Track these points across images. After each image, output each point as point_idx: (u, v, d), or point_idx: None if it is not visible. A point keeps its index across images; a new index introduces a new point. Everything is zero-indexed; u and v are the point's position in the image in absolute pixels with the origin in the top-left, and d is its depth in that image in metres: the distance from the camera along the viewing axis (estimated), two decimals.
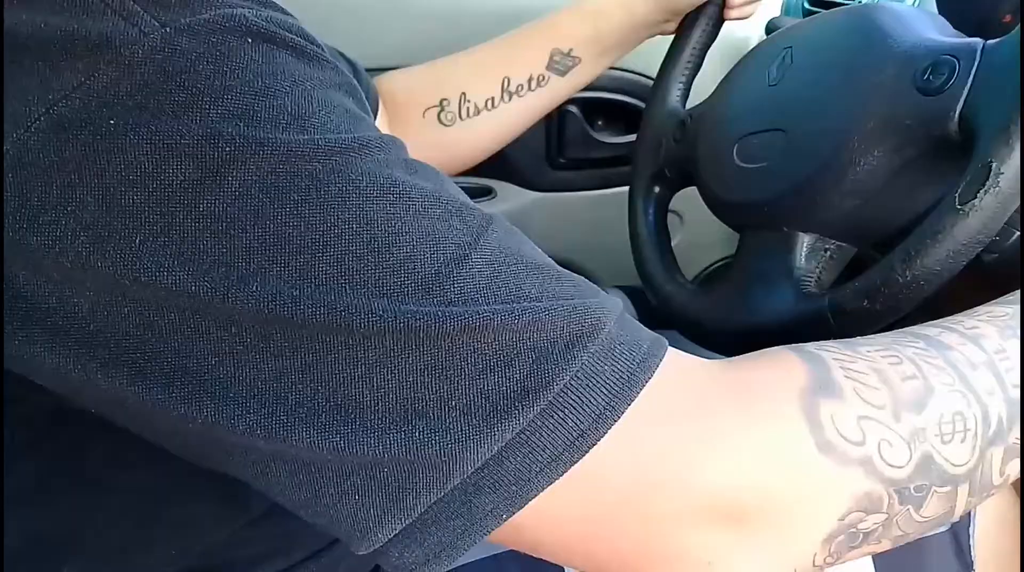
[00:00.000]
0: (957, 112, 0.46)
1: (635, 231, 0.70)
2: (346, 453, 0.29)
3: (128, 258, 0.27)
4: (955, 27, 0.54)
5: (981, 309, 0.40)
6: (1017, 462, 0.36)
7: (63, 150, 0.27)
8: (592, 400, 0.30)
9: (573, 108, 0.99)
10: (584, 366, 0.30)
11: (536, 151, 1.00)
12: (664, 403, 0.31)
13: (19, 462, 0.37)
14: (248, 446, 0.29)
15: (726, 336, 0.58)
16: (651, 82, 0.75)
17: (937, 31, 0.52)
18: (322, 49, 0.33)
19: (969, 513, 0.55)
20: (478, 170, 0.84)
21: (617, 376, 0.30)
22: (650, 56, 0.80)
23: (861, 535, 0.33)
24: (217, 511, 0.42)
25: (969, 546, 0.54)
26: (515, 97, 0.73)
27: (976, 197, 0.41)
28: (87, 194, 0.27)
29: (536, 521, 0.31)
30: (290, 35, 0.31)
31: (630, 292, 0.80)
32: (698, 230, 1.05)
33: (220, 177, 0.28)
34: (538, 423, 0.29)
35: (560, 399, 0.29)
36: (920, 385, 0.34)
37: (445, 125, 0.73)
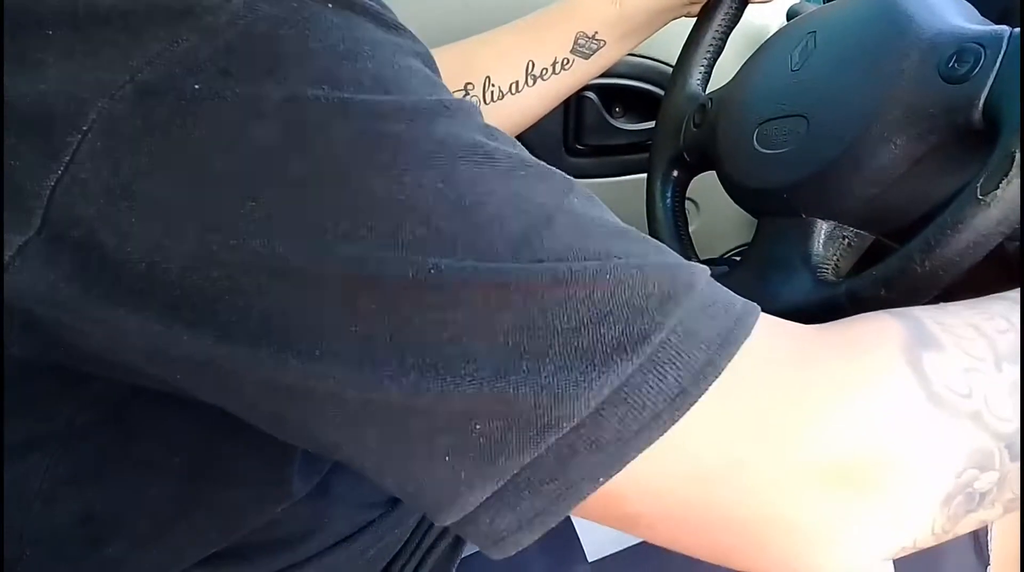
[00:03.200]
0: (982, 101, 0.45)
1: (652, 215, 0.70)
2: (439, 406, 0.28)
3: (216, 222, 0.27)
4: (982, 14, 0.53)
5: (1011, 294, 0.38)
6: None
7: (149, 116, 0.27)
8: (691, 356, 0.29)
9: (591, 94, 0.98)
10: (681, 322, 0.29)
11: (554, 138, 1.00)
12: (765, 360, 0.31)
13: (79, 444, 0.37)
14: (337, 406, 0.29)
15: None
16: (670, 69, 0.74)
17: (963, 18, 0.51)
18: (395, 17, 0.33)
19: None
20: None
21: (715, 332, 0.29)
22: (669, 43, 0.79)
23: (978, 496, 0.31)
24: (261, 494, 0.42)
25: (987, 541, 0.54)
26: (539, 81, 0.72)
27: (998, 187, 0.40)
28: (175, 159, 0.27)
29: (635, 488, 0.30)
30: (369, 2, 0.31)
31: None
32: (714, 217, 1.04)
33: (306, 140, 0.28)
34: (636, 380, 0.28)
35: (658, 355, 0.28)
36: (1014, 338, 0.33)
37: None
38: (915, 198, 0.53)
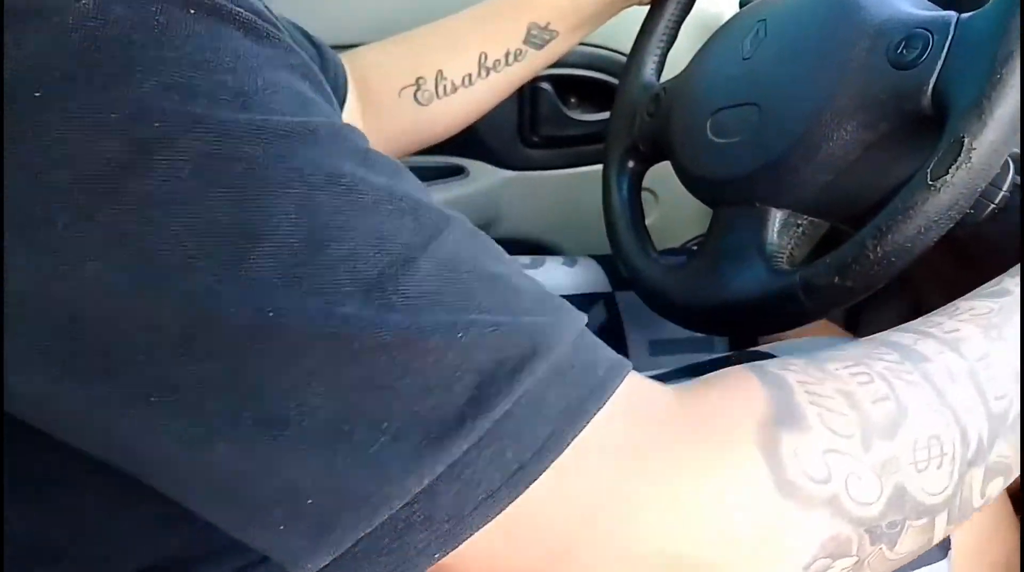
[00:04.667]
0: (930, 87, 0.45)
1: (608, 206, 0.70)
2: (269, 475, 0.27)
3: (49, 245, 0.25)
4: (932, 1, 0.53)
5: (963, 305, 0.37)
6: (1000, 480, 0.33)
7: None
8: (534, 430, 0.27)
9: (546, 85, 0.97)
10: (529, 391, 0.27)
11: (509, 129, 0.99)
12: (614, 437, 0.29)
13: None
14: (171, 460, 0.27)
15: (696, 312, 0.58)
16: (625, 58, 0.74)
17: (912, 4, 0.51)
18: (278, 28, 0.31)
19: None
20: (450, 149, 0.83)
21: (565, 403, 0.28)
22: (624, 32, 0.79)
23: None
24: (162, 524, 0.40)
25: None
26: (492, 72, 0.71)
27: (948, 173, 0.40)
28: (13, 173, 0.25)
29: (472, 563, 0.29)
30: (239, 9, 0.29)
31: (602, 261, 0.80)
32: (673, 208, 1.04)
33: (149, 156, 0.25)
34: (474, 454, 0.27)
35: (500, 428, 0.27)
36: (892, 407, 0.31)
37: (422, 104, 0.71)
38: (868, 185, 0.53)
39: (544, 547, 0.28)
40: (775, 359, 0.33)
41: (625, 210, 0.69)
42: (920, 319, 0.36)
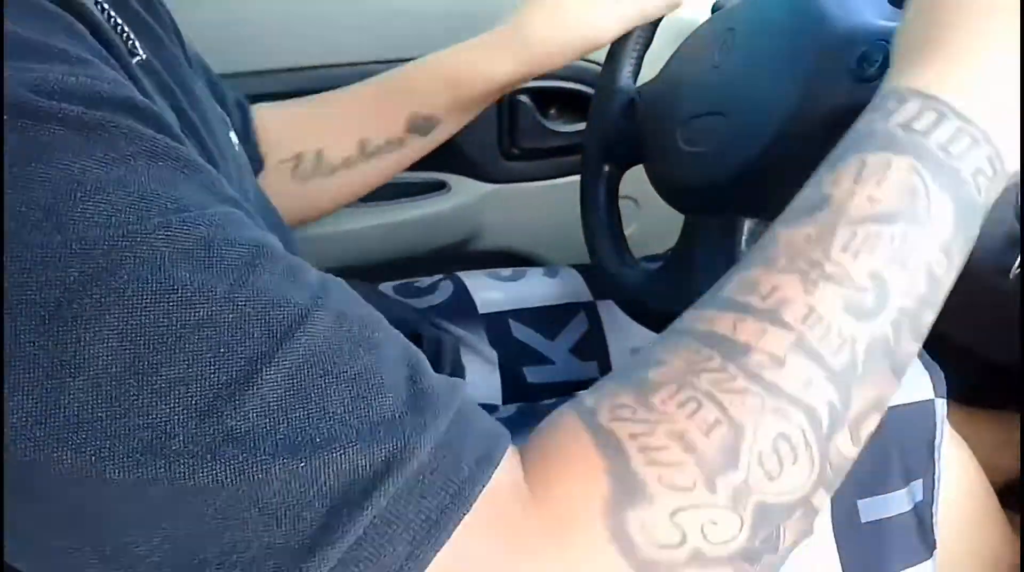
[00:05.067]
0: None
1: (586, 210, 0.70)
2: None
3: None
4: (893, 5, 0.54)
5: (780, 235, 0.33)
6: (875, 416, 0.32)
7: None
8: (391, 552, 0.26)
9: (524, 98, 0.98)
10: (384, 511, 0.26)
11: (489, 143, 0.99)
12: (476, 552, 0.28)
13: None
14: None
15: (671, 319, 0.58)
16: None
17: (877, 12, 0.51)
18: (135, 103, 0.29)
19: (933, 488, 0.55)
20: (431, 164, 0.83)
21: (424, 517, 0.27)
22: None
23: None
24: None
25: (932, 525, 0.54)
26: (373, 158, 0.71)
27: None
28: None
29: None
30: (72, 106, 0.27)
31: (583, 270, 0.80)
32: (654, 216, 1.04)
33: None
34: None
35: (354, 553, 0.26)
36: (726, 431, 0.29)
37: (299, 180, 0.70)
38: None
39: None
40: (601, 394, 0.32)
41: (603, 218, 0.69)
42: (737, 278, 0.33)
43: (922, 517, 0.54)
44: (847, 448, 0.31)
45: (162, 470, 0.25)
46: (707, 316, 0.33)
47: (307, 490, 0.26)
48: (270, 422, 0.26)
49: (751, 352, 0.30)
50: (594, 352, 0.71)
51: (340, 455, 0.26)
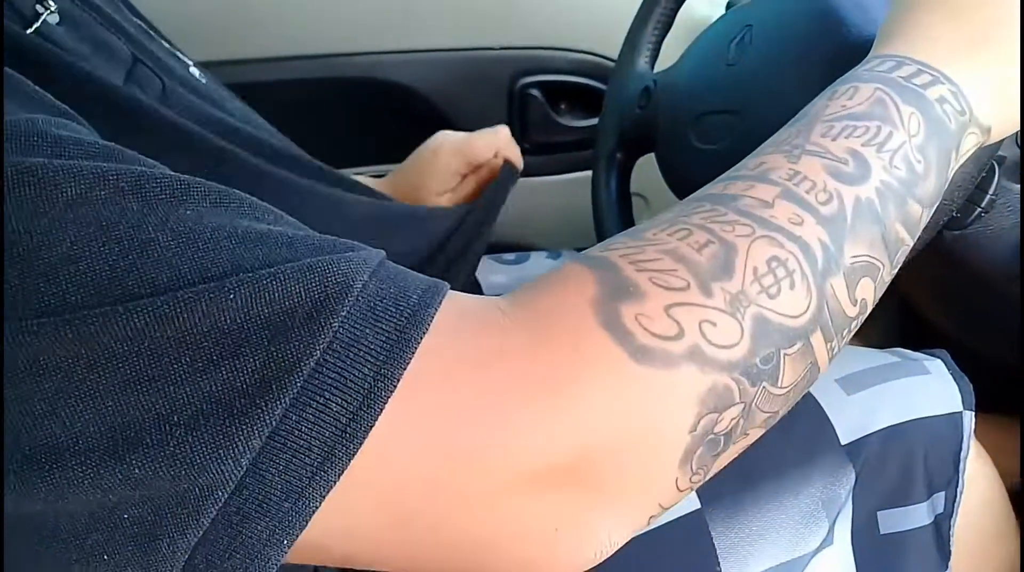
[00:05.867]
0: None
1: (597, 203, 0.69)
2: (67, 503, 0.24)
3: None
4: None
5: (768, 142, 0.35)
6: (868, 282, 0.32)
7: None
8: (356, 374, 0.24)
9: (536, 92, 0.97)
10: (338, 335, 0.25)
11: None
12: (449, 357, 0.26)
13: None
14: None
15: None
16: (612, 64, 0.73)
17: None
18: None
19: (954, 501, 0.54)
20: None
21: (383, 338, 0.25)
22: (612, 38, 0.79)
23: (722, 439, 0.29)
24: None
25: (949, 537, 0.54)
26: None
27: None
28: None
29: (332, 537, 0.26)
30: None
31: None
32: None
33: None
34: (293, 418, 0.24)
35: (315, 382, 0.24)
36: (717, 248, 0.29)
37: None
38: None
39: (410, 501, 0.26)
40: (597, 245, 0.32)
41: (613, 207, 0.68)
42: (729, 171, 0.35)
43: (941, 529, 0.54)
44: (844, 298, 0.31)
45: (71, 341, 0.24)
46: (696, 193, 0.34)
47: (242, 323, 0.24)
48: (181, 275, 0.25)
49: (740, 198, 0.32)
50: None
51: (269, 282, 0.25)
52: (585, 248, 0.81)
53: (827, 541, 0.50)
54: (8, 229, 0.24)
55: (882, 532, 0.53)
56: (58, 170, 0.25)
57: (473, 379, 0.27)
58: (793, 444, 0.52)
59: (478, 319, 0.28)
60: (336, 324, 0.25)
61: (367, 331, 0.25)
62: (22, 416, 0.24)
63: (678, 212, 0.32)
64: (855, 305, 0.32)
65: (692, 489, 0.30)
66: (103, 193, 0.25)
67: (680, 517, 0.49)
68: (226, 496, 0.24)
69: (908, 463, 0.53)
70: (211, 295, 0.24)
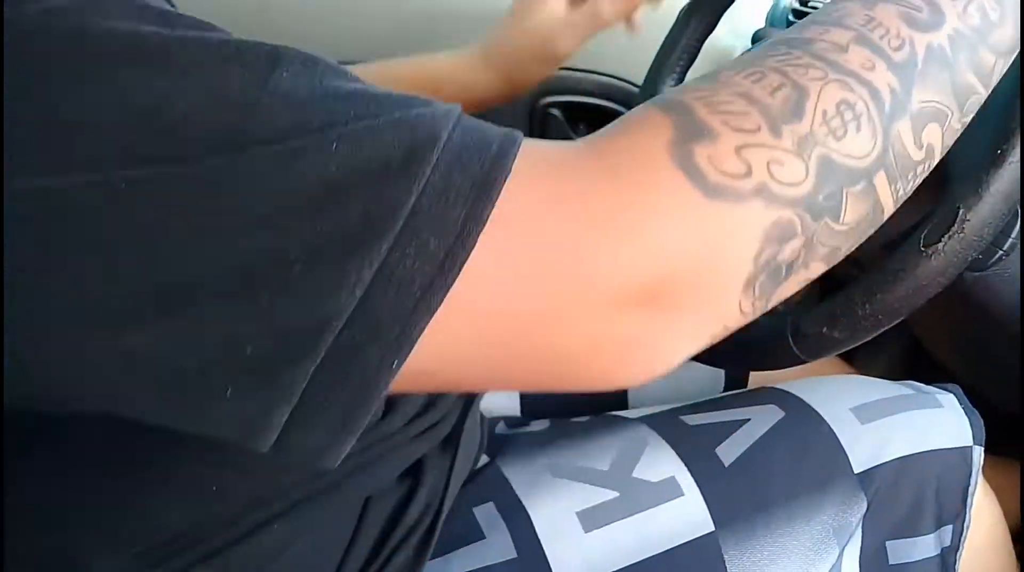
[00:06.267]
0: None
1: None
2: (198, 335, 0.27)
3: None
4: None
5: None
6: (935, 127, 0.34)
7: None
8: (449, 214, 0.27)
9: (556, 112, 0.98)
10: (431, 180, 0.27)
11: None
12: (532, 197, 0.29)
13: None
14: (95, 358, 0.28)
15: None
16: (636, 89, 0.74)
17: None
18: None
19: (961, 535, 0.55)
20: None
21: (471, 182, 0.28)
22: (635, 62, 0.80)
23: (784, 267, 0.31)
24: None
25: (954, 569, 0.55)
26: None
27: (940, 241, 0.41)
28: None
29: (436, 362, 0.29)
30: None
31: None
32: None
33: None
34: (397, 254, 0.27)
35: (413, 222, 0.27)
36: (790, 92, 0.31)
37: None
38: None
39: (502, 323, 0.29)
40: (674, 89, 0.34)
41: None
42: (811, 15, 0.36)
43: (946, 562, 0.55)
44: (909, 141, 0.33)
45: (197, 190, 0.26)
46: (775, 38, 0.35)
47: (347, 169, 0.27)
48: (287, 130, 0.27)
49: (815, 42, 0.33)
50: None
51: (367, 135, 0.27)
52: None
53: (836, 568, 0.51)
54: (129, 90, 0.27)
55: (891, 562, 0.54)
56: (170, 39, 0.28)
57: (556, 215, 0.29)
58: (807, 470, 0.52)
59: (558, 163, 0.31)
60: (428, 170, 0.27)
61: (455, 177, 0.27)
62: (155, 260, 0.26)
63: (756, 55, 0.34)
64: (921, 149, 0.33)
65: (755, 314, 0.32)
66: (211, 61, 0.28)
67: (694, 540, 0.50)
68: (341, 325, 0.27)
69: (919, 494, 0.54)
70: (316, 146, 0.27)
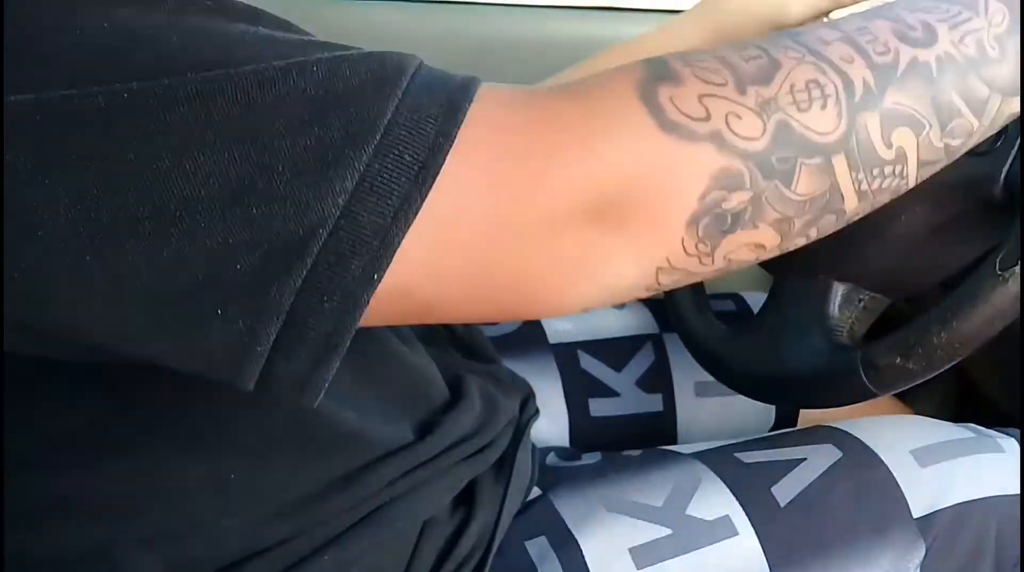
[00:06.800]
0: (1003, 175, 0.45)
1: None
2: (190, 254, 0.28)
3: None
4: None
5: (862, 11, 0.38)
6: (907, 131, 0.34)
7: None
8: (422, 131, 0.29)
9: None
10: (402, 102, 0.29)
11: None
12: (496, 121, 0.31)
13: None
14: (85, 287, 0.29)
15: (752, 380, 0.57)
16: None
17: None
18: None
19: None
20: None
21: (438, 104, 0.30)
22: None
23: (729, 216, 0.32)
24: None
25: None
26: None
27: (1017, 263, 0.41)
28: None
29: (414, 276, 0.31)
30: None
31: (648, 303, 0.79)
32: None
33: None
34: (376, 167, 0.29)
35: (389, 138, 0.29)
36: (764, 62, 0.33)
37: None
38: (933, 266, 0.53)
39: (472, 233, 0.31)
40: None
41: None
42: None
43: None
44: (876, 135, 0.33)
45: (188, 100, 0.28)
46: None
47: (325, 89, 0.29)
48: (270, 55, 0.29)
49: (803, 35, 0.35)
50: (659, 385, 0.71)
51: (343, 63, 0.30)
52: (646, 299, 0.81)
53: None
54: (125, 23, 0.29)
55: None
56: None
57: (519, 136, 0.32)
58: (866, 514, 0.51)
59: (524, 95, 0.33)
60: (399, 92, 0.29)
61: (425, 100, 0.30)
62: (150, 173, 0.28)
63: (748, 39, 0.35)
64: (890, 148, 0.34)
65: (699, 258, 0.33)
66: (193, 8, 0.30)
67: None
68: (326, 235, 0.28)
69: (979, 541, 0.52)
70: (297, 68, 0.29)
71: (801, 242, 0.35)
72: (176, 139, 0.28)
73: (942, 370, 0.45)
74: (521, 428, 0.56)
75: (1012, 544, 0.53)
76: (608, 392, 0.70)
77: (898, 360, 0.45)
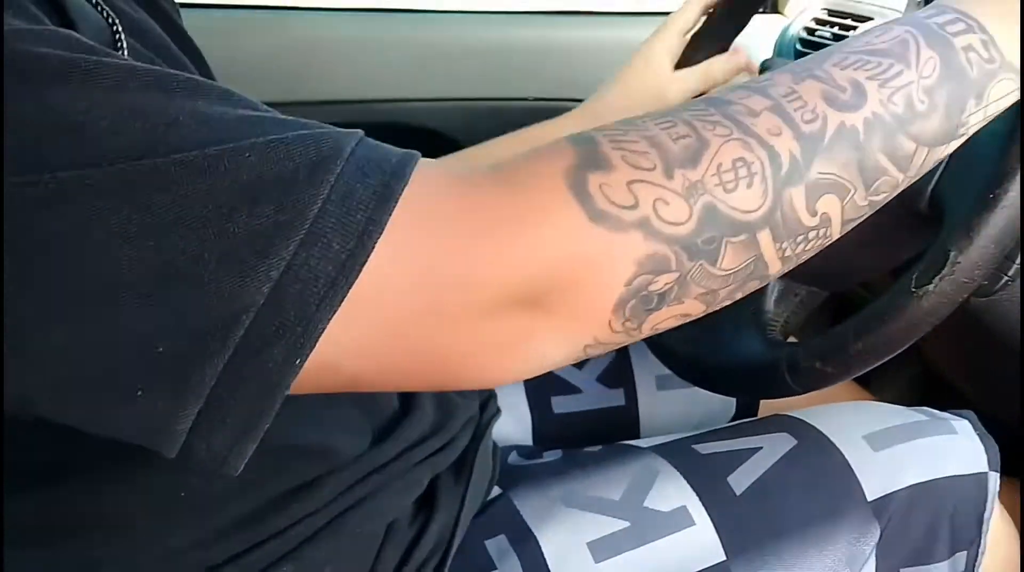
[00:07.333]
0: (928, 191, 0.47)
1: None
2: (110, 335, 0.28)
3: None
4: None
5: (797, 62, 0.38)
6: (833, 198, 0.35)
7: None
8: (351, 219, 0.29)
9: None
10: (335, 188, 0.30)
11: None
12: (428, 207, 0.32)
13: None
14: (28, 354, 0.29)
15: (703, 373, 0.58)
16: None
17: None
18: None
19: (975, 562, 0.55)
20: None
21: (371, 190, 0.30)
22: None
23: (655, 297, 0.33)
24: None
25: None
26: None
27: (931, 282, 0.42)
28: None
29: (339, 355, 0.31)
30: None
31: None
32: None
33: None
34: (303, 254, 0.29)
35: (319, 225, 0.29)
36: (692, 141, 0.33)
37: None
38: (867, 265, 0.55)
39: (398, 319, 0.31)
40: (592, 128, 0.36)
41: None
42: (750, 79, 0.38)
43: None
44: (801, 207, 0.34)
45: (120, 189, 0.28)
46: (707, 95, 0.37)
47: (258, 176, 0.29)
48: (203, 142, 0.29)
49: (732, 104, 0.35)
50: (621, 379, 0.71)
51: (278, 147, 0.30)
52: None
53: None
54: (56, 107, 0.29)
55: None
56: (98, 64, 0.30)
57: (448, 222, 0.32)
58: (819, 499, 0.52)
59: (457, 179, 0.34)
60: (332, 179, 0.30)
61: (357, 185, 0.30)
62: (76, 259, 0.28)
63: (678, 107, 0.36)
64: (814, 216, 0.35)
65: (627, 335, 0.34)
66: (133, 84, 0.30)
67: (705, 569, 0.50)
68: (249, 321, 0.29)
69: (933, 522, 0.53)
70: (231, 154, 0.29)
71: (727, 304, 0.36)
72: (102, 227, 0.28)
73: (859, 374, 0.46)
74: (481, 428, 0.56)
75: (967, 524, 0.54)
76: (570, 389, 0.70)
77: (817, 364, 0.46)
